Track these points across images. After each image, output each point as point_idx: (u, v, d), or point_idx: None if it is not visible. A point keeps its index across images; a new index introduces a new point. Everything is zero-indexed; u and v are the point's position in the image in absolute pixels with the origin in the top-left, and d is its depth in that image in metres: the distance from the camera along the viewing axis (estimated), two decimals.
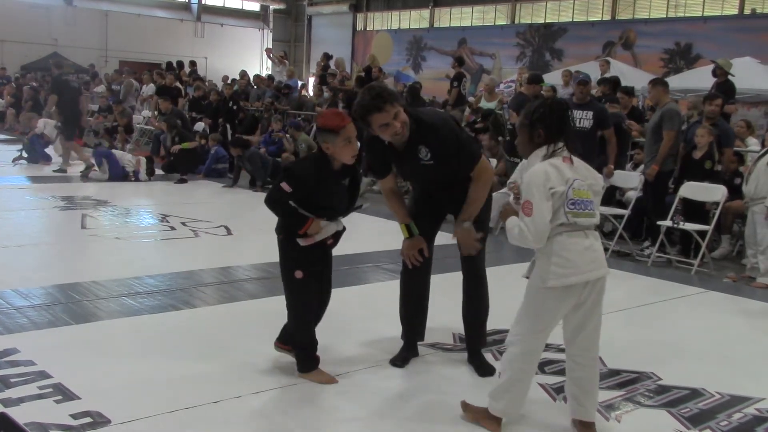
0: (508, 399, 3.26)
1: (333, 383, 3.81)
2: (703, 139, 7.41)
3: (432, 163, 3.83)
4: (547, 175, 3.04)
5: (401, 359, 4.16)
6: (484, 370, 4.05)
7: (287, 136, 12.40)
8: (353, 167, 3.82)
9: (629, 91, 10.10)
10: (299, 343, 3.87)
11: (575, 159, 3.13)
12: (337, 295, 5.44)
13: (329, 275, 3.99)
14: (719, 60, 9.84)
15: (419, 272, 4.11)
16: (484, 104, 12.49)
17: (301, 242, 3.68)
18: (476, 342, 4.19)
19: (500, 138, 10.14)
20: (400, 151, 3.87)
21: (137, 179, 11.26)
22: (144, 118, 16.40)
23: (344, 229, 3.89)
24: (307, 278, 3.74)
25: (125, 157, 11.48)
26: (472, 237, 3.85)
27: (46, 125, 13.15)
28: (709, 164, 7.40)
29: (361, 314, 5.04)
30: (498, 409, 3.29)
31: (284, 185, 3.63)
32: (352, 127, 3.62)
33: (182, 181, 11.46)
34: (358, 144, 3.72)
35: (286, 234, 3.74)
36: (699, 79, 13.38)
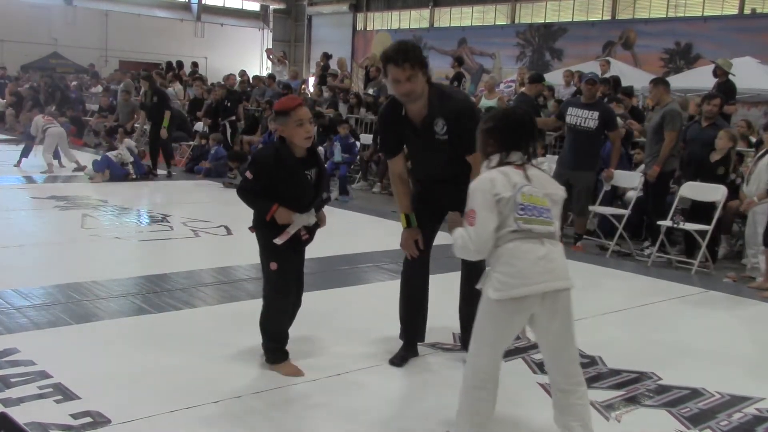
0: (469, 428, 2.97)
1: (300, 375, 3.84)
2: (721, 142, 7.28)
3: (446, 138, 3.83)
4: (492, 182, 2.87)
5: (400, 359, 4.16)
6: None
7: None
8: (317, 158, 3.89)
9: (628, 92, 10.11)
10: (270, 334, 3.92)
11: (532, 168, 2.96)
12: (337, 295, 5.43)
13: (300, 275, 4.01)
14: (719, 60, 9.84)
15: (419, 271, 4.13)
16: (485, 102, 12.50)
17: (277, 241, 3.74)
18: None
19: None
20: (416, 124, 3.89)
21: (142, 174, 11.24)
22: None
23: (317, 223, 3.94)
24: (282, 270, 3.80)
25: (129, 145, 11.41)
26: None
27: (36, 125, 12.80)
28: (721, 170, 7.27)
29: (360, 314, 5.04)
30: None
31: (247, 173, 3.75)
32: (304, 110, 3.72)
33: (169, 175, 11.49)
34: (313, 128, 3.82)
35: (259, 225, 3.82)
36: (699, 79, 13.38)
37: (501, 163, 2.95)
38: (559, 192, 3.02)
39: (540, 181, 2.94)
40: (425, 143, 3.93)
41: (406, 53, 3.70)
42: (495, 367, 2.97)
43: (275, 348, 3.92)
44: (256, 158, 3.87)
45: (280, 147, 3.77)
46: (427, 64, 3.85)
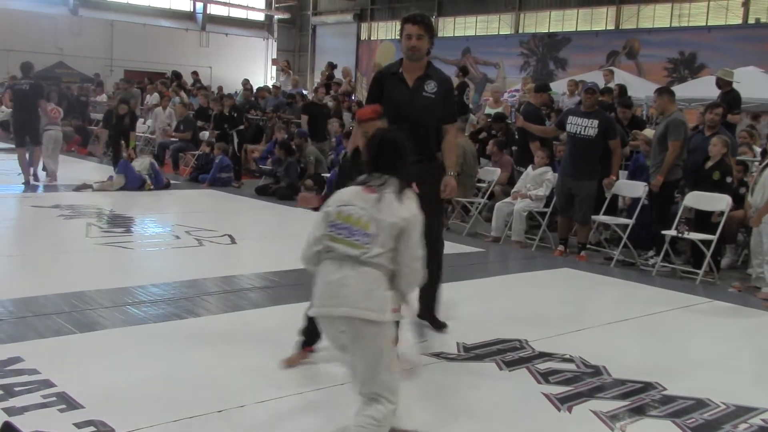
0: None
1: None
2: (715, 149, 7.30)
3: (433, 97, 4.59)
4: (336, 195, 2.96)
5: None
6: (437, 325, 4.77)
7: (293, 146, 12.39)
8: None
9: (628, 104, 10.03)
10: None
11: (386, 195, 2.86)
12: None
13: None
14: (718, 72, 9.87)
15: None
16: (489, 110, 12.51)
17: None
18: (435, 303, 4.80)
19: (512, 147, 10.12)
20: (409, 82, 4.62)
21: (158, 186, 11.28)
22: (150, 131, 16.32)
23: None
24: None
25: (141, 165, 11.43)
26: (454, 184, 4.62)
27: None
28: (717, 175, 7.27)
29: None
30: None
31: None
32: (371, 125, 3.92)
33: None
34: None
35: None
36: (703, 88, 13.38)
37: (358, 182, 2.94)
38: (391, 219, 2.83)
39: (378, 206, 2.84)
40: (414, 99, 4.56)
41: (423, 17, 4.61)
42: None
43: None
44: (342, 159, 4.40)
45: (356, 149, 4.17)
46: (434, 37, 4.67)
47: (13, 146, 12.51)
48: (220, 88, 18.71)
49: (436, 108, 4.59)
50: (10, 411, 3.33)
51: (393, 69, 4.74)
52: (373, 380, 2.86)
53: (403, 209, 2.87)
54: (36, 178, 11.44)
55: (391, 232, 2.83)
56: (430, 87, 4.59)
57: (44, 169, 11.87)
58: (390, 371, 2.88)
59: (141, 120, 16.87)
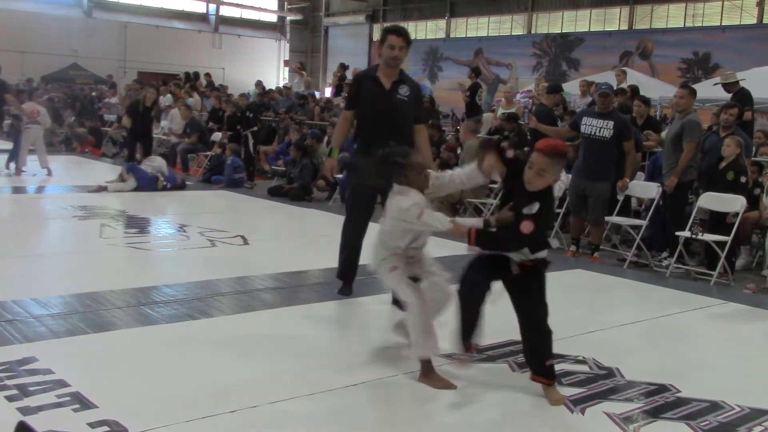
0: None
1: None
2: (728, 149, 7.25)
3: (406, 100, 5.33)
4: None
5: (347, 290, 5.57)
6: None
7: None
8: (537, 200, 3.59)
9: (646, 101, 10.05)
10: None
11: (393, 196, 3.91)
12: (359, 305, 5.41)
13: (521, 310, 3.83)
14: (720, 79, 9.87)
15: (359, 225, 5.49)
16: (502, 111, 12.50)
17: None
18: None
19: (524, 148, 10.10)
20: (385, 85, 5.32)
21: (173, 185, 11.35)
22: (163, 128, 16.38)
23: (531, 265, 3.73)
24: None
25: (154, 165, 11.51)
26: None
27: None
28: (731, 175, 7.23)
29: (377, 325, 5.02)
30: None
31: None
32: (539, 160, 3.54)
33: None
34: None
35: None
36: (717, 89, 13.28)
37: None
38: (390, 214, 3.92)
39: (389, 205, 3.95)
40: (389, 101, 5.29)
41: (405, 31, 5.31)
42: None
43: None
44: None
45: None
46: (410, 46, 5.37)
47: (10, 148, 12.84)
48: (226, 88, 18.77)
49: (409, 109, 5.35)
50: (24, 411, 3.35)
51: (370, 73, 5.46)
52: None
53: (395, 207, 3.89)
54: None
55: (391, 222, 3.93)
56: (404, 91, 5.34)
57: (42, 167, 12.31)
58: (396, 288, 4.09)
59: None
